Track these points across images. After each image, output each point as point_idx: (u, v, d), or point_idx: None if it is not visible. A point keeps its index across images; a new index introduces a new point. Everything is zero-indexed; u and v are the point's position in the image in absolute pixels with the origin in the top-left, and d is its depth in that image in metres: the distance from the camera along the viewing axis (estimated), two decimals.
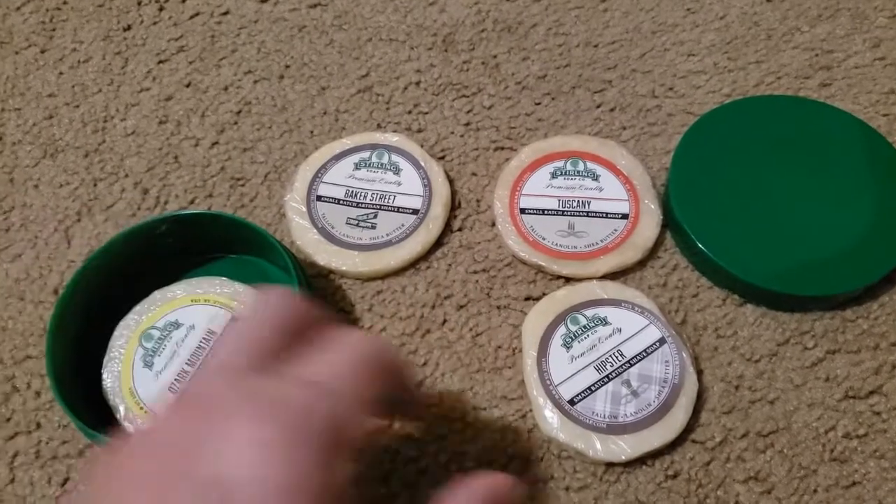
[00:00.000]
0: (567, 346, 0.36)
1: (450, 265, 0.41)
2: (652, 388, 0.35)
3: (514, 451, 0.36)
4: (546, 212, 0.41)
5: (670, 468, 0.35)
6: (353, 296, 0.40)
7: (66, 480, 0.36)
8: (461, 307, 0.40)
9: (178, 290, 0.38)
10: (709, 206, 0.40)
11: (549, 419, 0.35)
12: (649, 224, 0.41)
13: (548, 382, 0.35)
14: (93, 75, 0.50)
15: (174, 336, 0.36)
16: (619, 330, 0.37)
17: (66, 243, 0.43)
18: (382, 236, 0.41)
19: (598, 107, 0.46)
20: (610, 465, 0.35)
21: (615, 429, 0.34)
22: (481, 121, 0.46)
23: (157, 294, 0.38)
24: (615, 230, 0.40)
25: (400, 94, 0.48)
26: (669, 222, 0.41)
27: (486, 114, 0.47)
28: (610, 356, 0.36)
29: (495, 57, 0.49)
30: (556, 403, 0.35)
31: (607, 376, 0.36)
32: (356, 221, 0.41)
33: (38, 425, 0.37)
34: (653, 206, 0.41)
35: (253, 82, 0.49)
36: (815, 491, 0.34)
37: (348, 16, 0.51)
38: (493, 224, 0.42)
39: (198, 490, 0.20)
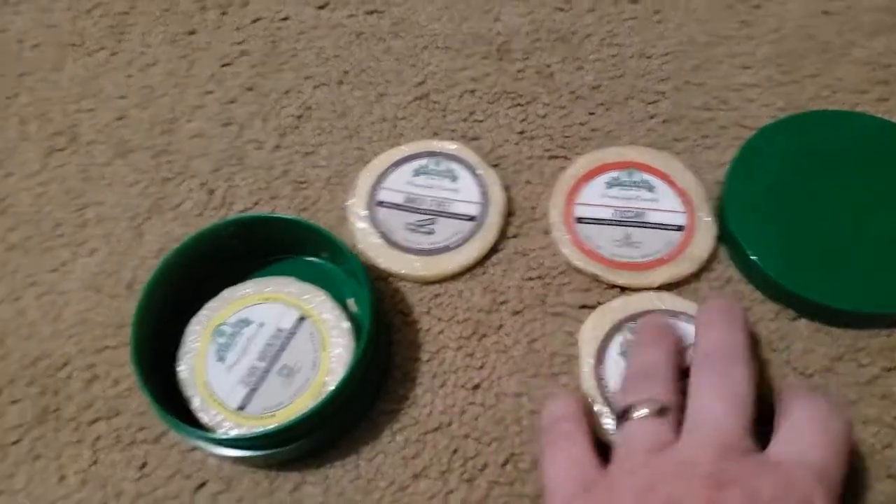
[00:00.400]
0: (625, 355, 0.38)
1: (505, 271, 0.42)
2: None
3: None
4: (602, 221, 0.42)
5: None
6: (411, 298, 0.42)
7: (144, 464, 0.38)
8: (517, 313, 0.41)
9: (249, 289, 0.39)
10: (764, 220, 0.41)
11: (607, 427, 0.36)
12: (704, 236, 0.42)
13: (605, 390, 0.37)
14: (160, 78, 0.52)
15: (245, 332, 0.38)
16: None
17: (137, 240, 0.45)
18: (441, 242, 0.42)
19: (652, 118, 0.47)
20: None
21: None
22: (535, 129, 0.48)
23: (227, 291, 0.40)
24: (670, 242, 0.41)
25: (456, 102, 0.49)
26: (724, 235, 0.42)
27: (540, 122, 0.48)
28: None
29: (549, 66, 0.50)
30: (614, 411, 0.36)
31: None
32: (415, 227, 0.43)
33: (118, 412, 0.39)
34: (708, 219, 0.42)
35: (313, 87, 0.50)
36: None
37: (405, 23, 0.53)
38: (548, 232, 0.43)
39: None
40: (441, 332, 0.41)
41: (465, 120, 0.48)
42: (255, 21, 0.54)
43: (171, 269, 0.38)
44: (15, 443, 0.39)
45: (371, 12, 0.53)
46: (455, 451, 0.37)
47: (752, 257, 0.40)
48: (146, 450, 0.38)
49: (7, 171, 0.48)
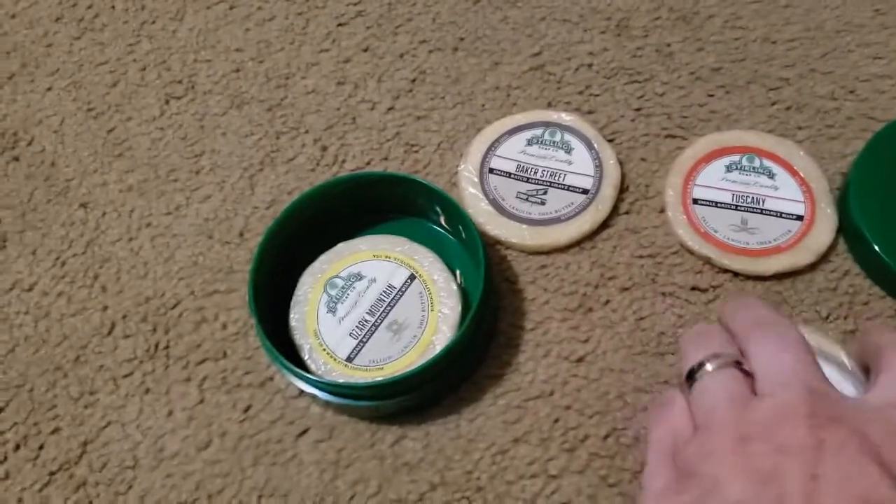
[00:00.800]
0: None
1: (615, 247, 0.42)
2: None
3: None
4: (719, 204, 0.41)
5: None
6: (517, 267, 0.42)
7: (248, 407, 0.39)
8: (625, 289, 0.40)
9: (363, 245, 0.40)
10: (890, 214, 0.39)
11: None
12: (824, 228, 0.40)
13: None
14: (276, 33, 0.52)
15: (357, 287, 0.38)
16: None
17: (250, 190, 0.46)
18: (552, 213, 0.42)
19: (773, 104, 0.46)
20: None
21: None
22: (652, 107, 0.47)
23: (342, 246, 0.40)
24: (789, 231, 0.40)
25: (572, 75, 0.48)
26: (845, 227, 0.41)
27: (657, 101, 0.47)
28: None
29: (669, 45, 0.49)
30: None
31: None
32: (526, 196, 0.43)
33: (225, 354, 0.40)
34: (829, 211, 0.41)
35: (427, 52, 0.50)
36: None
37: None
38: (662, 210, 0.42)
39: None
40: (546, 302, 0.41)
41: (580, 93, 0.47)
42: None
43: (289, 218, 0.39)
44: (127, 375, 0.40)
45: None
46: (556, 421, 0.37)
47: (876, 250, 0.38)
48: (251, 393, 0.39)
49: (127, 115, 0.50)
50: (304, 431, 0.38)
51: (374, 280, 0.39)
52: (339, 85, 0.50)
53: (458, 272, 0.40)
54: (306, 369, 0.37)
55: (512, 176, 0.43)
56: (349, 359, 0.37)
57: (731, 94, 0.47)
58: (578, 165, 0.43)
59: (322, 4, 0.53)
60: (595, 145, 0.44)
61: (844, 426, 0.24)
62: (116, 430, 0.39)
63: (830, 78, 0.47)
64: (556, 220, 0.42)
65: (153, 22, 0.54)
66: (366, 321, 0.38)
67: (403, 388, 0.35)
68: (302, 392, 0.37)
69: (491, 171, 0.44)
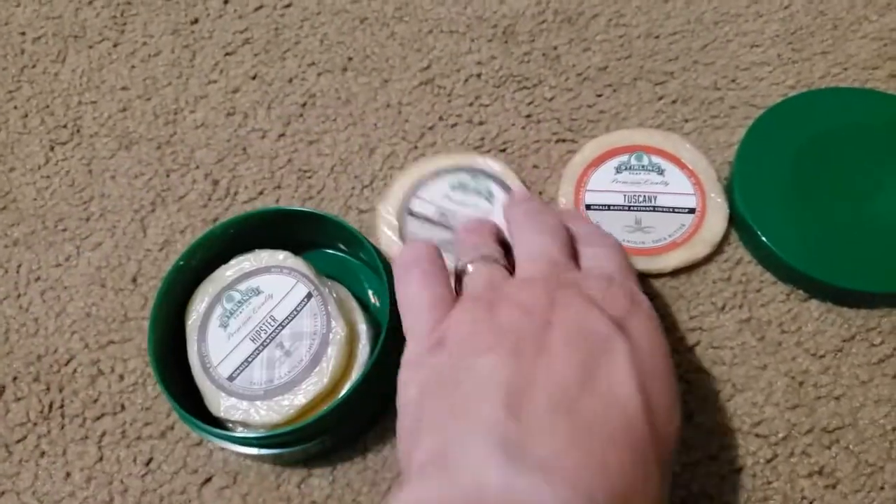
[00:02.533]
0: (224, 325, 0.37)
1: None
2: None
3: None
4: (612, 207, 0.41)
5: (734, 462, 0.35)
6: None
7: (150, 460, 0.38)
8: None
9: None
10: (774, 201, 0.40)
11: None
12: (717, 218, 0.41)
13: None
14: (163, 68, 0.51)
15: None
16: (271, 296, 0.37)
17: (142, 232, 0.45)
18: None
19: (660, 99, 0.47)
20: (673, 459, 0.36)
21: None
22: (542, 113, 0.47)
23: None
24: (683, 225, 0.41)
25: (461, 87, 0.48)
26: (734, 216, 0.41)
27: (547, 105, 0.47)
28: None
29: (556, 48, 0.49)
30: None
31: None
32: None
33: (123, 407, 0.39)
34: (719, 200, 0.41)
35: (317, 74, 0.50)
36: (882, 488, 0.34)
37: (409, 7, 0.52)
38: None
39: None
40: None
41: (470, 104, 0.47)
42: (257, 9, 0.53)
43: (179, 273, 0.38)
44: (20, 440, 0.39)
45: None
46: None
47: (762, 238, 0.39)
48: (152, 445, 0.38)
49: (10, 166, 0.48)
50: (208, 479, 0.37)
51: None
52: (229, 116, 0.49)
53: (372, 292, 0.40)
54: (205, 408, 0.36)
55: (432, 222, 0.42)
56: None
57: (619, 92, 0.47)
58: (500, 214, 0.42)
59: (208, 35, 0.52)
60: (510, 186, 0.43)
61: (572, 287, 0.29)
62: (11, 500, 0.37)
63: (712, 69, 0.47)
64: None
65: (33, 66, 0.52)
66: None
67: (313, 431, 0.34)
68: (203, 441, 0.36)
69: (411, 213, 0.42)
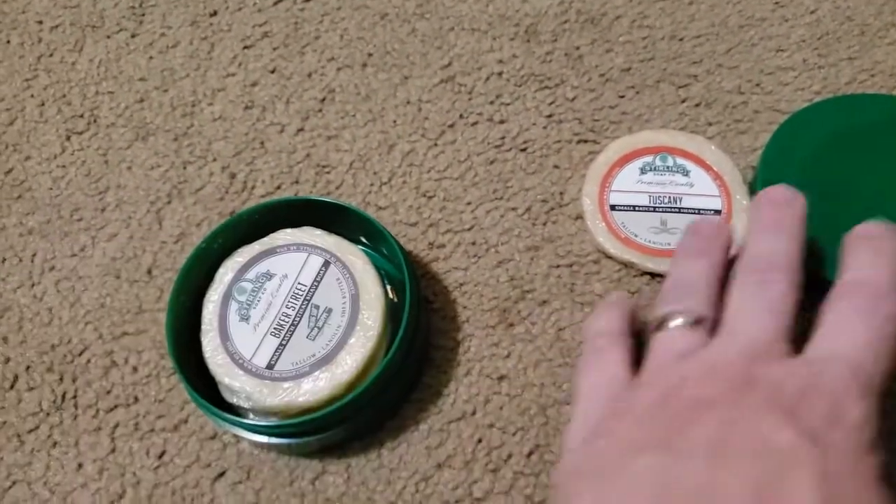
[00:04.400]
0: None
1: (532, 259, 0.41)
2: None
3: None
4: (637, 208, 0.41)
5: None
6: (435, 286, 0.41)
7: (163, 453, 0.37)
8: (544, 302, 0.40)
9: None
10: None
11: None
12: (743, 221, 0.40)
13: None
14: (181, 60, 0.51)
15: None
16: None
17: (157, 224, 0.44)
18: None
19: (683, 101, 0.46)
20: None
21: None
22: (564, 113, 0.46)
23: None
24: None
25: (482, 85, 0.48)
26: None
27: (568, 106, 0.46)
28: None
29: (578, 48, 0.49)
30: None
31: None
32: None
33: (136, 399, 0.39)
34: (745, 203, 0.41)
35: (336, 69, 0.49)
36: None
37: (430, 4, 0.52)
38: (578, 217, 0.42)
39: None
40: (466, 320, 0.40)
41: (491, 103, 0.47)
42: (277, 2, 0.53)
43: (200, 257, 0.37)
44: (32, 430, 0.38)
45: None
46: (480, 441, 0.37)
47: None
48: (165, 438, 0.38)
49: (26, 154, 0.48)
50: (222, 474, 0.36)
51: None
52: (247, 109, 0.48)
53: (390, 291, 0.39)
54: (225, 403, 0.35)
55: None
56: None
57: (641, 94, 0.47)
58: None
59: (227, 28, 0.52)
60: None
61: (762, 385, 0.26)
62: (22, 490, 0.37)
63: (736, 72, 0.47)
64: None
65: (51, 55, 0.52)
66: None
67: (341, 414, 0.33)
68: (221, 433, 0.36)
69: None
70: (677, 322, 0.30)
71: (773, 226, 0.32)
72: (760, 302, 0.29)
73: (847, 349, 0.27)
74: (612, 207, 0.41)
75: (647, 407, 0.27)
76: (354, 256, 0.37)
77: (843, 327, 0.27)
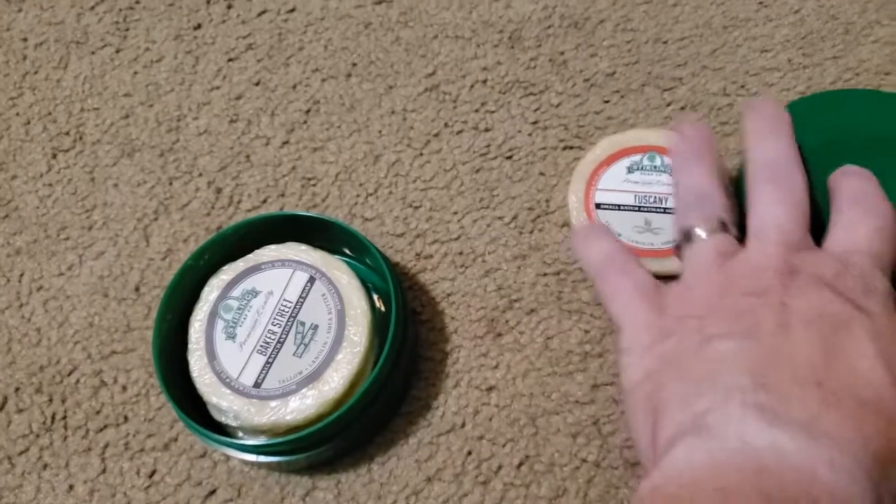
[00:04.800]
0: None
1: (519, 268, 0.41)
2: None
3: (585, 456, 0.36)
4: (622, 207, 0.41)
5: None
6: (422, 297, 0.41)
7: (153, 472, 0.37)
8: (531, 311, 0.40)
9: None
10: None
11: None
12: None
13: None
14: (165, 74, 0.51)
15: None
16: None
17: (145, 241, 0.44)
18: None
19: (669, 105, 0.46)
20: None
21: None
22: (549, 119, 0.46)
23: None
24: None
25: (467, 93, 0.48)
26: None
27: (553, 112, 0.46)
28: None
29: (562, 54, 0.49)
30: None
31: None
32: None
33: (126, 418, 0.39)
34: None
35: (321, 80, 0.49)
36: None
37: (413, 12, 0.52)
38: (564, 225, 0.42)
39: None
40: (454, 331, 0.40)
41: (476, 111, 0.47)
42: (260, 14, 0.53)
43: (186, 275, 0.37)
44: (22, 452, 0.38)
45: (379, 2, 0.52)
46: (469, 454, 0.37)
47: None
48: (155, 457, 0.38)
49: (12, 174, 0.48)
50: (213, 492, 0.37)
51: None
52: (232, 123, 0.48)
53: (378, 297, 0.39)
54: (214, 420, 0.35)
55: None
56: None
57: (627, 98, 0.47)
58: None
59: (211, 41, 0.52)
60: None
61: (805, 273, 0.29)
62: None
63: (721, 74, 0.47)
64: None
65: (35, 72, 0.52)
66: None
67: (330, 431, 0.33)
68: (209, 452, 0.36)
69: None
70: (702, 232, 0.33)
71: (769, 131, 0.35)
72: (782, 199, 0.32)
73: (861, 242, 0.31)
74: (598, 206, 0.41)
75: (705, 304, 0.30)
76: (339, 271, 0.37)
77: (852, 223, 0.32)
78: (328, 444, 0.34)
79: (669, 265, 0.39)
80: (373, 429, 0.37)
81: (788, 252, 0.30)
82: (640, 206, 0.41)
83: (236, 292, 0.37)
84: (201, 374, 0.35)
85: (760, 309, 0.28)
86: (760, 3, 0.49)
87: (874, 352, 0.27)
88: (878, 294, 0.29)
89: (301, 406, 0.33)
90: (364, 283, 0.37)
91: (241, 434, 0.35)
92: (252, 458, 0.34)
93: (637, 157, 0.43)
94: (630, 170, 0.42)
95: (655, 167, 0.42)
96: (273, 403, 0.34)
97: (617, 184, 0.42)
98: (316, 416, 0.33)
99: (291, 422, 0.33)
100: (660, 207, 0.41)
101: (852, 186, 0.34)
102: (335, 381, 0.34)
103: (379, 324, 0.37)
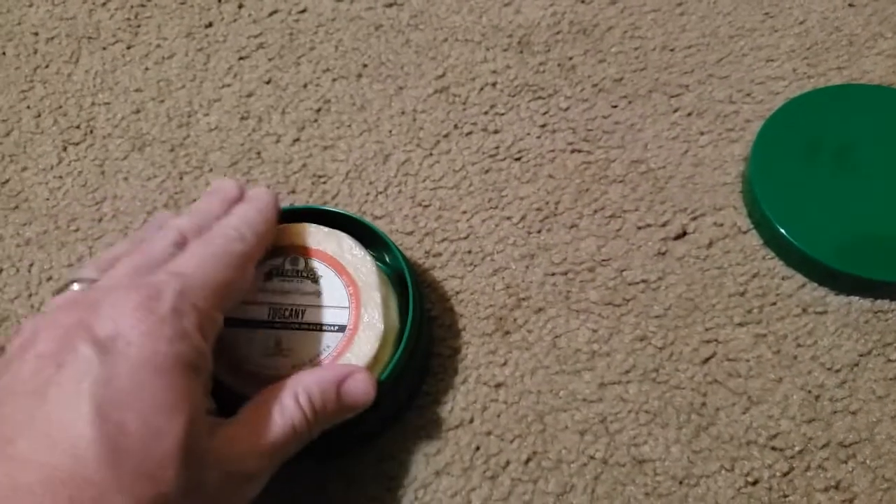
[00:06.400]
0: None
1: (527, 267, 0.42)
2: None
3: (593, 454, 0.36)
4: (252, 323, 0.35)
5: (750, 475, 0.35)
6: (431, 294, 0.41)
7: None
8: (539, 310, 0.40)
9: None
10: (793, 194, 0.41)
11: None
12: (368, 337, 0.34)
13: None
14: (177, 71, 0.51)
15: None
16: None
17: None
18: None
19: (675, 111, 0.47)
20: (688, 472, 0.35)
21: None
22: (557, 122, 0.47)
23: None
24: (328, 346, 0.34)
25: (476, 95, 0.48)
26: (753, 215, 0.42)
27: (562, 115, 0.47)
28: None
29: (571, 59, 0.49)
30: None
31: None
32: None
33: None
34: (376, 315, 0.34)
35: (331, 80, 0.50)
36: None
37: (424, 15, 0.52)
38: (572, 226, 0.43)
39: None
40: (463, 328, 0.40)
41: (485, 113, 0.47)
42: (272, 13, 0.53)
43: None
44: None
45: (390, 5, 0.53)
46: (477, 449, 0.37)
47: (782, 231, 0.40)
48: None
49: (22, 165, 0.48)
50: None
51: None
52: (243, 120, 0.49)
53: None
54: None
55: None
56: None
57: (634, 103, 0.47)
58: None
59: (223, 38, 0.52)
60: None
61: (76, 311, 0.26)
62: None
63: (727, 82, 0.47)
64: None
65: (46, 66, 0.52)
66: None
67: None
68: None
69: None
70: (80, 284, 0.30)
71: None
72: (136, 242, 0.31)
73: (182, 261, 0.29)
74: (226, 322, 0.31)
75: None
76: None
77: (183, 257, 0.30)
78: (339, 434, 0.34)
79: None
80: (385, 422, 0.37)
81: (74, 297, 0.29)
82: (273, 322, 0.35)
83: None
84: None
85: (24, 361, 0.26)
86: (766, 13, 0.50)
87: (86, 402, 0.24)
88: (135, 321, 0.26)
89: None
90: (387, 276, 0.37)
91: None
92: None
93: (279, 260, 0.36)
94: (269, 276, 0.36)
95: (298, 272, 0.36)
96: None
97: (252, 294, 0.35)
98: None
99: None
100: (295, 322, 0.35)
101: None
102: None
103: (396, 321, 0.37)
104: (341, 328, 0.34)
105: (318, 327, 0.35)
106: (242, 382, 0.33)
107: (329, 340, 0.34)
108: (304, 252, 0.36)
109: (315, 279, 0.36)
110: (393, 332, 0.35)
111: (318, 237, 0.36)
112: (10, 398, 0.25)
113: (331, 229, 0.37)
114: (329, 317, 0.35)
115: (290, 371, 0.33)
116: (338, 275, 0.36)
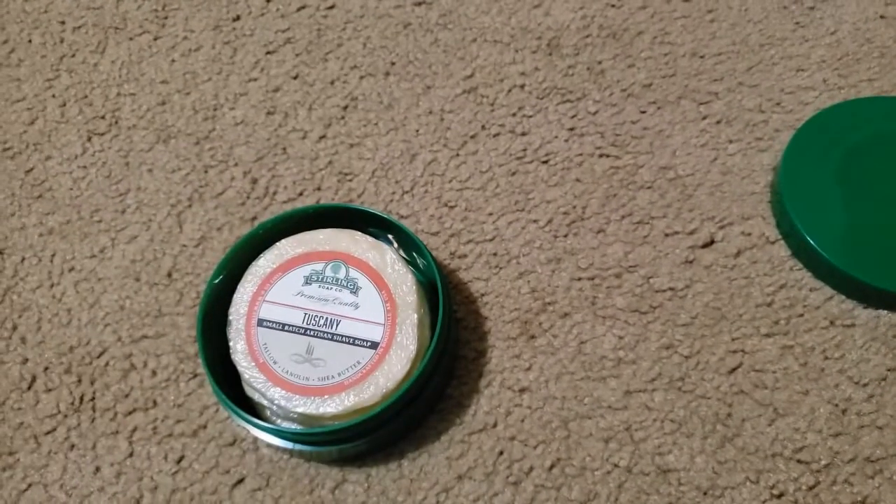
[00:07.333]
0: None
1: (553, 271, 0.41)
2: None
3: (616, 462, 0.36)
4: (287, 327, 0.36)
5: (775, 487, 0.35)
6: (456, 296, 0.41)
7: (181, 458, 0.37)
8: (565, 314, 0.40)
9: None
10: (823, 206, 0.41)
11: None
12: (398, 358, 0.34)
13: None
14: (203, 63, 0.51)
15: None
16: None
17: (178, 228, 0.44)
18: None
19: (704, 118, 0.46)
20: (713, 483, 0.35)
21: None
22: (586, 126, 0.46)
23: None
24: (358, 362, 0.35)
25: (504, 97, 0.48)
26: (782, 226, 0.41)
27: (590, 119, 0.47)
28: None
29: (600, 63, 0.49)
30: None
31: None
32: None
33: (155, 403, 0.39)
34: (410, 334, 0.35)
35: (359, 78, 0.50)
36: None
37: (453, 15, 0.52)
38: (599, 231, 0.42)
39: None
40: (487, 331, 0.40)
41: (513, 115, 0.47)
42: (300, 9, 0.53)
43: (233, 259, 0.37)
44: (49, 432, 0.38)
45: (419, 3, 0.52)
46: (501, 454, 0.36)
47: (811, 242, 0.39)
48: (183, 443, 0.37)
49: (46, 154, 0.48)
50: (241, 480, 0.36)
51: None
52: (269, 115, 0.48)
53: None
54: (252, 405, 0.35)
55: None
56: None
57: (663, 109, 0.47)
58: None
59: (250, 32, 0.52)
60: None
61: None
62: (39, 492, 0.37)
63: (757, 91, 0.47)
64: None
65: (73, 55, 0.52)
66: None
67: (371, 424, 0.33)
68: (252, 439, 0.36)
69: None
70: None
71: None
72: None
73: None
74: (261, 322, 0.35)
75: None
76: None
77: None
78: (363, 439, 0.34)
79: (325, 407, 0.33)
80: (409, 426, 0.36)
81: None
82: (306, 329, 0.35)
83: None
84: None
85: None
86: (797, 23, 0.49)
87: None
88: None
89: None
90: (421, 287, 0.37)
91: (273, 419, 0.35)
92: (286, 444, 0.34)
93: (320, 266, 0.36)
94: (308, 280, 0.36)
95: (338, 280, 0.36)
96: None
97: (289, 297, 0.35)
98: (354, 411, 0.33)
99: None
100: (328, 333, 0.35)
101: None
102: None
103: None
104: (374, 345, 0.34)
105: (351, 341, 0.34)
106: (264, 385, 0.34)
107: (360, 356, 0.34)
108: (347, 260, 0.36)
109: (354, 290, 0.35)
110: (423, 348, 0.35)
111: (363, 247, 0.36)
112: None
113: (376, 241, 0.37)
114: (363, 331, 0.35)
115: (316, 383, 0.33)
116: (378, 289, 0.35)
